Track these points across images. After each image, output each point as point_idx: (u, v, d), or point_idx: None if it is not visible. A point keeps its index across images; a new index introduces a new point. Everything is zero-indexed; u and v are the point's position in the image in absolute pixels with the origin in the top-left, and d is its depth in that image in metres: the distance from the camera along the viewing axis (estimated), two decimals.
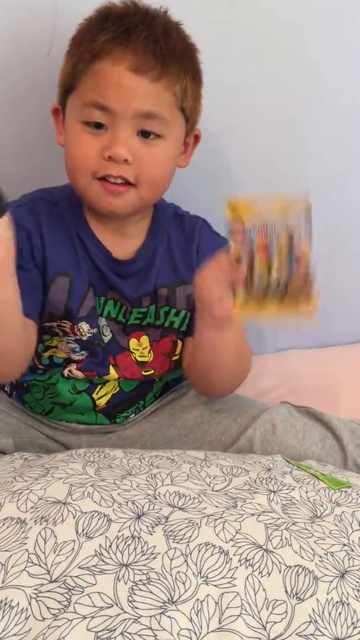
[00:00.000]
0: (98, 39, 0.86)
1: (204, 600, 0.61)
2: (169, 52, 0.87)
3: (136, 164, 0.88)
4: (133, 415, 1.09)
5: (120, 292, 0.98)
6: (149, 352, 1.02)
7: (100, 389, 1.03)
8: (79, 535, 0.66)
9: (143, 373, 1.02)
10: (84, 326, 0.97)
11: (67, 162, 0.92)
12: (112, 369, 1.00)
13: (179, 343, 1.03)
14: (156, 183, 0.93)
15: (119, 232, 0.98)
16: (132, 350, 1.01)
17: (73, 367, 1.00)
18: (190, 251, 1.02)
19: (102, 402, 1.04)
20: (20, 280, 0.87)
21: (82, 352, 0.99)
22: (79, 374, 1.00)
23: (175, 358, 1.04)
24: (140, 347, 1.02)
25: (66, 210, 0.98)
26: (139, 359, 1.02)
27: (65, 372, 1.00)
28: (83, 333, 0.97)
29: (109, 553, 0.64)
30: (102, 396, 1.04)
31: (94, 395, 1.03)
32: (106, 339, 0.99)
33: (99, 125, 0.88)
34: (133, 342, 1.02)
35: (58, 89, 0.95)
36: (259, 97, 1.19)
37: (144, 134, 0.88)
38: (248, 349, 1.02)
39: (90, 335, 0.97)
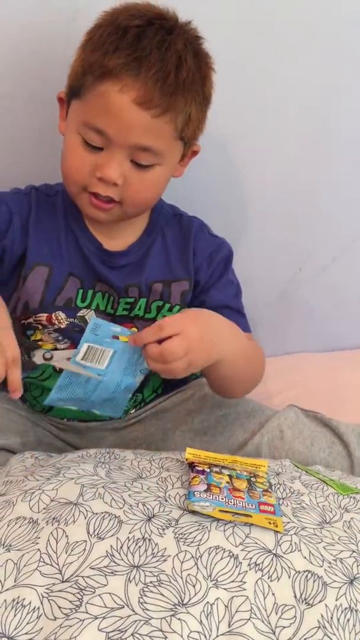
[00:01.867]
0: (111, 58, 0.84)
1: (213, 604, 0.62)
2: (178, 86, 0.86)
3: (124, 186, 0.89)
4: (133, 410, 1.09)
5: (108, 283, 0.99)
6: None
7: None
8: (90, 535, 0.67)
9: None
10: (61, 314, 0.97)
11: (62, 167, 0.93)
12: None
13: None
14: (141, 204, 0.95)
15: (113, 228, 1.00)
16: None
17: None
18: (187, 250, 1.03)
19: None
20: None
21: (65, 340, 0.99)
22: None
23: None
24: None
25: (61, 202, 1.00)
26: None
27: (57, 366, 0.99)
28: (61, 321, 0.97)
29: (120, 554, 0.65)
30: None
31: None
32: None
33: (95, 145, 0.89)
34: None
35: (67, 81, 0.94)
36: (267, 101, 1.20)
37: (137, 163, 0.89)
38: (258, 354, 1.04)
39: (68, 322, 0.98)
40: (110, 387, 0.90)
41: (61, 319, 0.97)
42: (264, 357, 1.05)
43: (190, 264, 1.02)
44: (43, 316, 0.97)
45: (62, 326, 0.97)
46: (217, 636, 0.60)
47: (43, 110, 1.09)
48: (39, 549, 0.66)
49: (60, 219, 0.99)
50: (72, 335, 0.99)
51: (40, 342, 1.00)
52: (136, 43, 0.84)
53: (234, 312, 1.07)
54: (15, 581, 0.63)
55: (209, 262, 1.05)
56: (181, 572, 0.64)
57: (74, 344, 0.97)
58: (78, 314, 0.98)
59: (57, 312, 0.97)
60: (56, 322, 0.97)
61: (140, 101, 0.84)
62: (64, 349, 0.99)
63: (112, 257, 1.00)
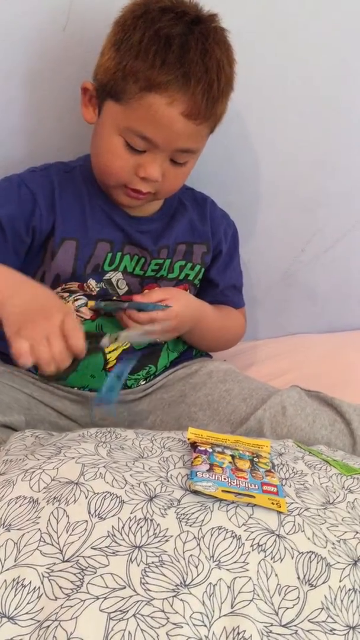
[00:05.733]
0: (159, 73, 0.87)
1: (216, 584, 0.61)
2: (219, 94, 0.92)
3: (162, 180, 0.96)
4: (144, 382, 1.11)
5: (139, 245, 1.04)
6: None
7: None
8: (92, 515, 0.66)
9: None
10: (92, 282, 1.02)
11: (99, 162, 0.99)
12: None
13: (188, 292, 1.11)
14: (174, 191, 1.03)
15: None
16: None
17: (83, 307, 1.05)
18: (204, 217, 1.12)
19: (112, 357, 1.06)
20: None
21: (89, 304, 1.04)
22: (85, 310, 1.03)
23: None
24: None
25: (80, 177, 1.04)
26: None
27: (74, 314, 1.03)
28: (92, 288, 1.02)
29: (121, 534, 0.64)
30: (112, 350, 1.06)
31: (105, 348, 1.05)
32: (121, 292, 1.05)
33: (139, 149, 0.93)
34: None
35: (97, 76, 0.95)
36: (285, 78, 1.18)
37: (175, 161, 0.96)
38: (234, 322, 1.20)
39: (98, 289, 1.02)
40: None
41: (92, 286, 1.02)
42: (241, 324, 1.22)
43: (208, 230, 1.12)
44: (74, 284, 1.02)
45: (94, 293, 1.02)
46: (219, 617, 0.59)
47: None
48: (39, 529, 0.65)
49: (83, 193, 1.03)
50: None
51: None
52: (183, 56, 0.88)
53: (237, 291, 1.21)
54: (15, 561, 0.62)
55: (225, 237, 1.15)
56: (183, 552, 0.63)
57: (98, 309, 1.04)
58: (104, 278, 1.03)
59: (88, 280, 1.02)
60: (88, 289, 1.02)
61: (188, 113, 0.90)
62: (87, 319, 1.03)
63: (140, 222, 1.05)
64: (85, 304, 1.02)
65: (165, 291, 1.02)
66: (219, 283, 1.16)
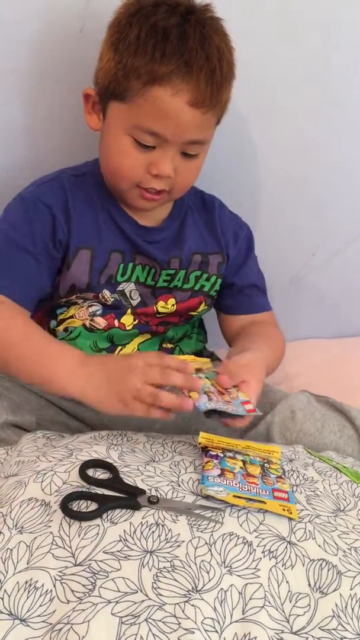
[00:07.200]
0: (160, 64, 0.86)
1: (227, 590, 0.61)
2: (223, 80, 0.91)
3: (175, 176, 0.95)
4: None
5: (149, 256, 1.03)
6: (173, 306, 1.07)
7: (121, 350, 1.05)
8: (103, 520, 0.66)
9: (157, 316, 1.06)
10: (106, 293, 1.01)
11: (109, 165, 0.97)
12: (129, 311, 1.04)
13: (203, 304, 1.10)
14: (187, 188, 1.01)
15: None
16: (158, 310, 1.06)
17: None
18: (214, 224, 1.10)
19: None
20: (22, 264, 0.94)
21: (106, 312, 1.03)
22: (100, 320, 1.03)
23: (193, 313, 1.09)
24: (166, 308, 1.06)
25: (92, 182, 1.03)
26: (161, 311, 1.06)
27: (87, 322, 1.03)
28: (107, 299, 1.01)
29: (133, 539, 0.64)
30: None
31: None
32: (134, 303, 1.04)
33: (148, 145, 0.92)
34: (160, 304, 1.06)
35: (97, 80, 0.95)
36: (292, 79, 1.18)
37: (186, 154, 0.94)
38: (277, 345, 1.11)
39: (113, 299, 1.02)
40: None
41: (107, 296, 1.01)
42: (283, 342, 1.14)
43: (220, 238, 1.09)
44: (90, 294, 1.01)
45: (109, 303, 1.02)
46: (230, 623, 0.59)
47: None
48: (51, 532, 0.65)
49: (95, 199, 1.02)
50: (115, 311, 1.03)
51: (71, 319, 1.03)
52: (182, 45, 0.87)
53: (261, 291, 1.17)
54: (27, 563, 0.63)
55: (234, 240, 1.12)
56: (195, 558, 0.63)
57: (114, 316, 1.03)
58: (117, 289, 1.02)
59: (103, 290, 1.01)
60: (103, 299, 1.01)
61: (193, 102, 0.88)
62: (100, 328, 1.03)
63: (149, 233, 1.04)
64: (100, 311, 1.02)
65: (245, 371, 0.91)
66: (236, 282, 1.12)
